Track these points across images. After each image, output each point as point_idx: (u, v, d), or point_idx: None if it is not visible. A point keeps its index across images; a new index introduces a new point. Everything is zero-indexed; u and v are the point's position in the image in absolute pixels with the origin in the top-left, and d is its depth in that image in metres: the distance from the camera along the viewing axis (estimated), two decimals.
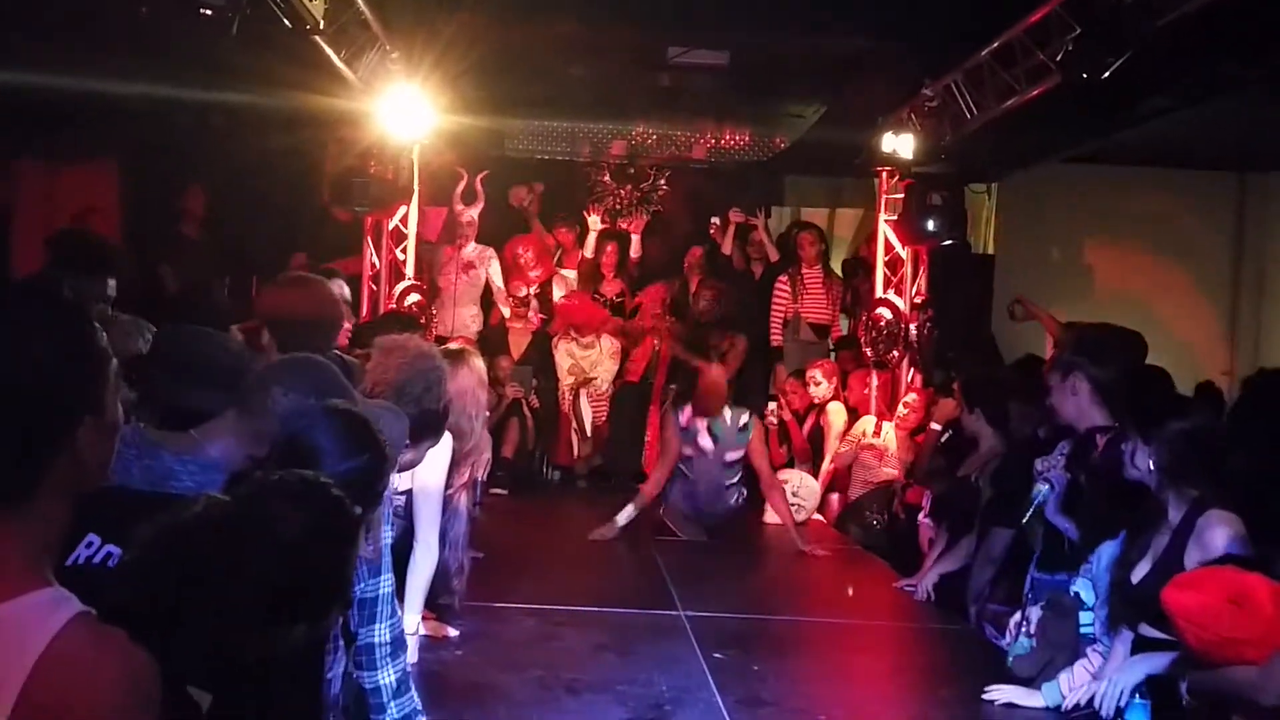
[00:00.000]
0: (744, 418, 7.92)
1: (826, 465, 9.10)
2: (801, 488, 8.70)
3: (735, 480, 7.96)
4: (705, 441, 7.80)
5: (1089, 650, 4.38)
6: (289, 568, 1.97)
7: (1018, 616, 4.90)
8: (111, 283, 5.11)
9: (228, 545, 1.93)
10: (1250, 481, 3.99)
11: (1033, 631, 4.73)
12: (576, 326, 10.06)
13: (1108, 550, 4.40)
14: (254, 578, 1.93)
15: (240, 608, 1.92)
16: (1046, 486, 4.88)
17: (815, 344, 10.36)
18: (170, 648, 1.77)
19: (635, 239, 10.81)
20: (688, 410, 7.87)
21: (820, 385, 9.44)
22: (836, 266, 11.06)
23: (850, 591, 7.19)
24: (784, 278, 10.39)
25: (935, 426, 7.59)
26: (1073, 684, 4.31)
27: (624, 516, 7.52)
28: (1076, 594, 4.53)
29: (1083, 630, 4.51)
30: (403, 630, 3.67)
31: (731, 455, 7.86)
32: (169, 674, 1.65)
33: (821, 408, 9.46)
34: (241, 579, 1.91)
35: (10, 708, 1.43)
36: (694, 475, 7.81)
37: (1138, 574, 4.02)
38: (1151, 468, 4.00)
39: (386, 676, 3.43)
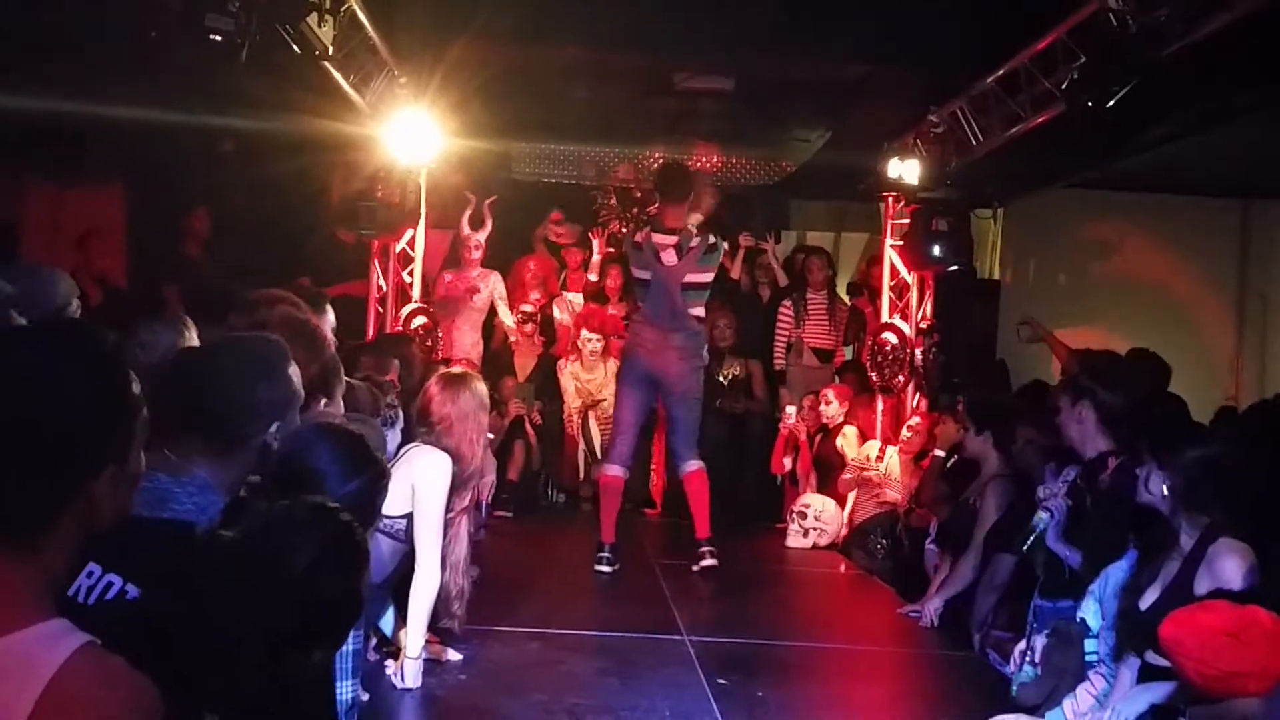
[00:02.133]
0: (711, 238, 7.48)
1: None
2: (824, 513, 8.76)
3: (695, 313, 7.47)
4: (669, 256, 7.37)
5: (1091, 673, 4.38)
6: (302, 599, 1.98)
7: (1022, 645, 4.90)
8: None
9: (239, 582, 1.93)
10: (1260, 510, 3.99)
11: (1037, 660, 4.73)
12: (595, 327, 10.00)
13: (1114, 572, 4.40)
14: (268, 612, 1.94)
15: (256, 641, 1.93)
16: (1047, 514, 4.89)
17: (818, 369, 10.34)
18: (186, 681, 1.79)
19: None
20: (645, 231, 7.60)
21: (831, 405, 9.40)
22: (842, 290, 11.07)
23: (843, 569, 7.20)
24: (787, 302, 10.38)
25: (939, 453, 7.58)
26: (1077, 708, 4.31)
27: None
28: (1082, 620, 4.52)
29: (1087, 658, 4.50)
30: (358, 695, 3.71)
31: (693, 277, 7.43)
32: (184, 704, 1.66)
33: (830, 431, 9.45)
34: (256, 614, 1.92)
35: None
36: (648, 301, 7.45)
37: (1146, 600, 4.01)
38: (1165, 493, 4.00)
39: None
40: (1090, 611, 4.48)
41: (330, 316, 4.93)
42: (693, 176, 7.92)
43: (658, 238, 7.44)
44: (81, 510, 1.61)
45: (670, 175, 7.91)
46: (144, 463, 1.76)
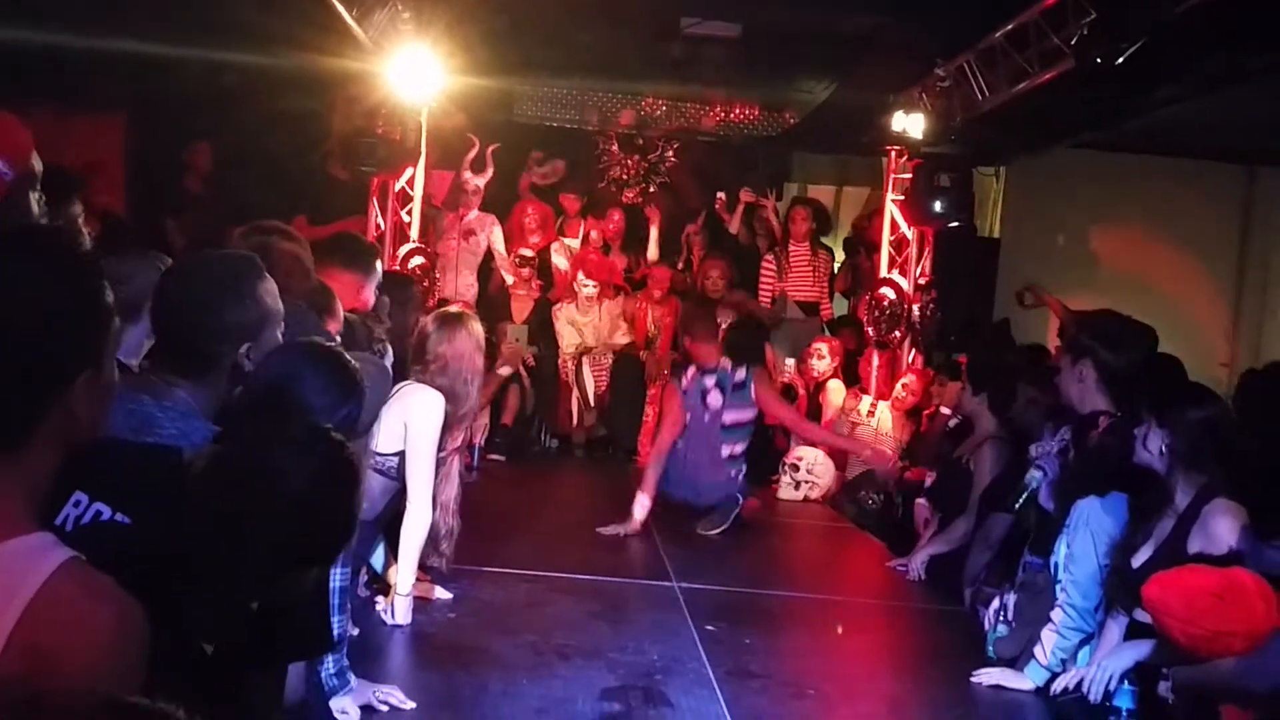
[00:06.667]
0: (740, 373, 7.35)
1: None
2: (816, 465, 8.78)
3: (735, 452, 7.36)
4: (714, 398, 7.27)
5: (1051, 612, 4.40)
6: (298, 519, 1.99)
7: (996, 604, 4.93)
8: (77, 204, 5.01)
9: (237, 504, 1.93)
10: (1258, 470, 4.00)
11: (1010, 617, 4.77)
12: (587, 272, 9.94)
13: (1085, 508, 4.39)
14: (265, 533, 1.94)
15: (253, 563, 1.94)
16: (1040, 473, 4.90)
17: (804, 322, 10.31)
18: (184, 605, 1.78)
19: (654, 233, 10.70)
20: (690, 371, 7.41)
21: (823, 360, 9.41)
22: (838, 245, 11.04)
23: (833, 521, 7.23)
24: (770, 256, 10.31)
25: (945, 410, 7.57)
26: (1044, 652, 4.36)
27: (639, 510, 6.93)
28: (1055, 564, 4.53)
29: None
30: (347, 630, 3.74)
31: (731, 416, 7.33)
32: (176, 634, 1.65)
33: (821, 385, 9.47)
34: (253, 536, 1.93)
35: (2, 648, 1.44)
36: (685, 446, 7.28)
37: (1139, 559, 4.03)
38: (1163, 451, 4.01)
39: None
40: (1060, 551, 4.48)
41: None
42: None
43: (706, 379, 7.34)
44: (59, 419, 1.60)
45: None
46: (117, 374, 1.75)
